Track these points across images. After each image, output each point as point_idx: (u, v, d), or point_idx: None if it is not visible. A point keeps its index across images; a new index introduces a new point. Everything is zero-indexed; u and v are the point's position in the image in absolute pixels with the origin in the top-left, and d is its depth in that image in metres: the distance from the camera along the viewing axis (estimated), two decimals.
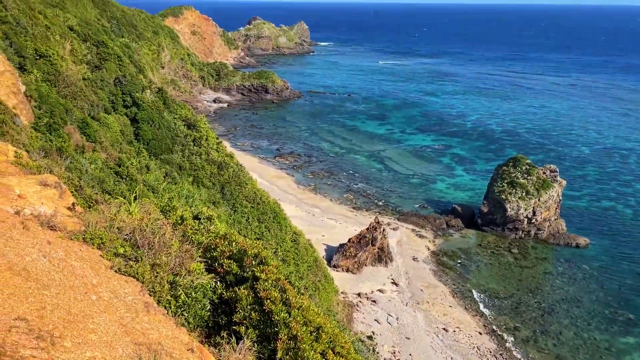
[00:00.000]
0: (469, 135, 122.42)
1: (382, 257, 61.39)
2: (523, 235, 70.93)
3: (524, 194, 71.34)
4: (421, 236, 70.46)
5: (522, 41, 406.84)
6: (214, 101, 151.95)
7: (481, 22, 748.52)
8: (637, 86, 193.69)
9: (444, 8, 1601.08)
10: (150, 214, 9.87)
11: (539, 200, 70.89)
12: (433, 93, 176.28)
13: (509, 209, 70.67)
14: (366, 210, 78.54)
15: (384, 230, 63.18)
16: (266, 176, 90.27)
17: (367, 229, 62.09)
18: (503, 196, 71.76)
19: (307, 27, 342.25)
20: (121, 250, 8.16)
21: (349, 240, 61.71)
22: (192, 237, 9.97)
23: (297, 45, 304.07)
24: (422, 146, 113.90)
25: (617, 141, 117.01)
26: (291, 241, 49.08)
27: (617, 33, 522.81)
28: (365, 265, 60.18)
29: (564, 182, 75.06)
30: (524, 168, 74.33)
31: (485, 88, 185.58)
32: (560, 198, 73.99)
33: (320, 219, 73.50)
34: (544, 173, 73.98)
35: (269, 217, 49.17)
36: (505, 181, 73.38)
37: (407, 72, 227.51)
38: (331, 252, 62.33)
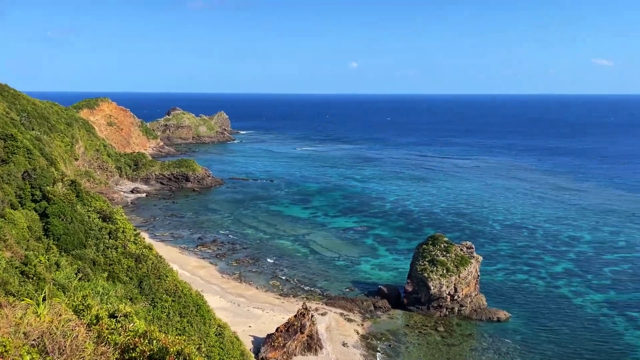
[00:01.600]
0: (389, 216, 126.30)
1: (312, 345, 59.68)
2: (447, 313, 72.10)
3: (444, 271, 73.42)
4: (350, 320, 69.68)
5: (435, 127, 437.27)
6: (132, 191, 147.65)
7: (401, 110, 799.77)
8: (536, 166, 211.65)
9: (370, 98, 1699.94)
10: (61, 315, 9.14)
11: (459, 276, 73.14)
12: (353, 177, 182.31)
13: (432, 287, 72.10)
14: (293, 297, 77.10)
15: (312, 316, 61.94)
16: (187, 267, 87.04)
17: (295, 316, 60.58)
18: (425, 274, 73.38)
19: (227, 116, 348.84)
20: (27, 358, 7.42)
21: (277, 330, 59.70)
22: (108, 337, 9.27)
23: (218, 134, 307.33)
24: (346, 228, 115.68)
25: (524, 217, 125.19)
26: (216, 335, 46.69)
27: (521, 120, 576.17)
28: (295, 355, 58.08)
29: (480, 258, 78.34)
30: (442, 246, 77.04)
31: (401, 171, 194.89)
32: (479, 273, 76.81)
33: (246, 309, 71.05)
34: (461, 250, 77.02)
35: (191, 311, 46.82)
36: (426, 259, 75.40)
37: (327, 157, 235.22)
38: (259, 343, 59.80)
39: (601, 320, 69.95)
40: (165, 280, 49.09)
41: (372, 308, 73.50)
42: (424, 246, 78.03)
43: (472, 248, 78.12)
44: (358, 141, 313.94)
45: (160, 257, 56.23)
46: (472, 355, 61.61)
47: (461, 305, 72.37)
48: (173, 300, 46.61)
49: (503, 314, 70.88)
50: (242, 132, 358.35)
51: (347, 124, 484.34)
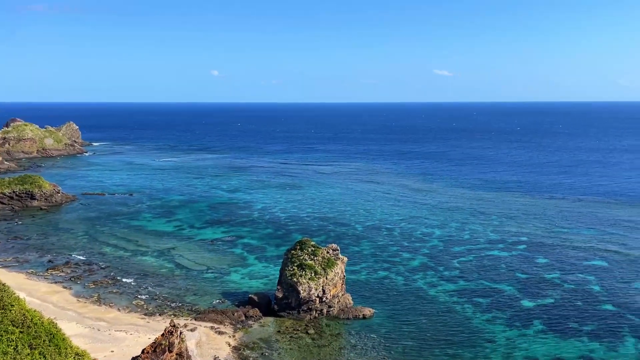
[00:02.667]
0: (257, 224, 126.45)
1: None
2: (317, 315, 74.03)
3: (313, 274, 75.34)
4: (221, 332, 68.32)
5: (298, 135, 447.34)
6: None
7: (265, 119, 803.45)
8: (391, 170, 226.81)
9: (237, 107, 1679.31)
10: None
11: (326, 278, 75.56)
12: (219, 187, 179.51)
13: (301, 291, 73.56)
14: (159, 315, 73.59)
15: (181, 333, 59.54)
16: (37, 293, 78.86)
17: (163, 335, 57.73)
18: (295, 279, 74.66)
19: (77, 127, 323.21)
20: None
21: (143, 352, 56.37)
22: None
23: (67, 147, 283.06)
24: (213, 239, 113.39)
25: (383, 218, 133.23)
26: None
27: (376, 126, 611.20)
28: None
29: (346, 259, 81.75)
30: (310, 250, 79.05)
31: (267, 179, 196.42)
32: (344, 274, 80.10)
33: (108, 333, 66.22)
34: (328, 252, 79.70)
35: (44, 341, 42.43)
36: (295, 264, 76.75)
37: (192, 167, 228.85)
38: None
39: (453, 308, 76.79)
40: (10, 311, 43.93)
41: (244, 318, 72.89)
42: (293, 251, 79.39)
43: (338, 250, 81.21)
44: (224, 150, 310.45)
45: (4, 285, 50.25)
46: (341, 353, 63.93)
47: (329, 306, 74.81)
48: (21, 332, 41.90)
49: (368, 311, 74.64)
50: (95, 143, 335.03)
51: (212, 133, 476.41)
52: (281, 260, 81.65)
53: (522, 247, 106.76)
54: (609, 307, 76.09)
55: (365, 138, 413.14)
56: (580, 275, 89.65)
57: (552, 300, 78.84)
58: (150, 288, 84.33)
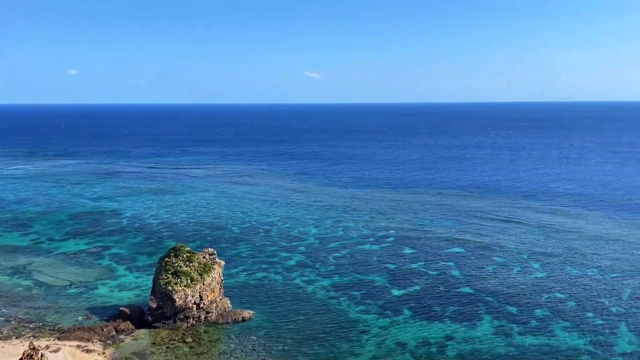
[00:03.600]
0: (127, 233, 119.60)
1: None
2: (194, 322, 71.93)
3: (189, 281, 73.06)
4: (89, 350, 63.50)
5: (170, 137, 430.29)
6: None
7: (132, 120, 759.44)
8: (267, 171, 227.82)
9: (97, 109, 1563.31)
10: None
11: (203, 284, 73.73)
12: (82, 194, 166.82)
13: (177, 299, 70.98)
14: (16, 338, 66.48)
15: (42, 356, 54.34)
16: None
17: (21, 359, 52.28)
18: (170, 287, 71.83)
19: None
20: None
21: None
22: None
23: None
24: (76, 252, 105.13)
25: (259, 219, 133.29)
26: None
27: (251, 127, 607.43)
28: None
29: (223, 263, 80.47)
30: (185, 256, 76.56)
31: (137, 185, 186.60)
32: (222, 278, 78.79)
33: None
34: (204, 257, 77.81)
35: None
36: (169, 272, 73.86)
37: (49, 175, 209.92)
38: None
39: (330, 303, 79.23)
40: None
41: (114, 333, 68.47)
42: (166, 259, 76.32)
43: (215, 254, 79.67)
44: (87, 155, 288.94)
45: None
46: (221, 358, 62.82)
47: (207, 312, 73.11)
48: None
49: (247, 313, 74.21)
50: None
51: (75, 136, 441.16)
52: (154, 269, 78.07)
53: (391, 239, 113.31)
54: (468, 289, 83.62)
55: (241, 139, 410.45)
56: (442, 262, 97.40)
57: (418, 288, 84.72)
58: (3, 309, 75.89)
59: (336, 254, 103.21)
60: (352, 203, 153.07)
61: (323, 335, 68.19)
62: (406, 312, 75.36)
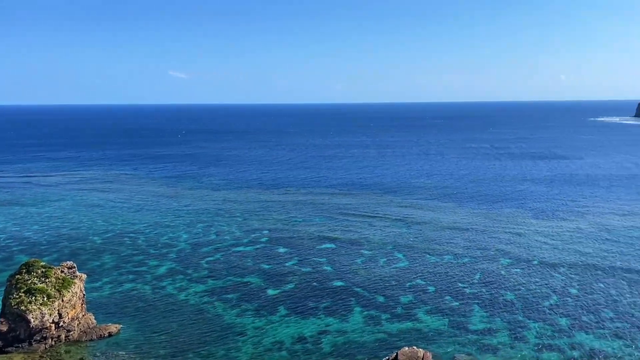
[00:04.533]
0: None
1: None
2: (54, 343, 65.82)
3: (45, 298, 66.62)
4: None
5: (17, 142, 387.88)
6: None
7: None
8: (132, 175, 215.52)
9: None
10: None
11: (62, 301, 67.69)
12: None
13: (32, 320, 64.34)
14: None
15: None
16: None
17: None
18: (22, 307, 64.86)
19: None
20: None
21: None
22: None
23: None
24: None
25: (124, 227, 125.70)
26: None
27: (116, 130, 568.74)
28: None
29: (84, 276, 74.56)
30: (40, 271, 69.65)
31: None
32: (84, 292, 73.02)
33: None
34: (62, 272, 71.46)
35: None
36: (22, 290, 66.72)
37: None
38: None
39: (204, 309, 77.30)
40: None
41: None
42: (18, 276, 68.79)
43: (74, 267, 73.51)
44: None
45: None
46: None
47: (68, 331, 67.26)
48: None
49: (114, 328, 69.62)
50: None
51: None
52: (3, 289, 69.96)
53: (264, 240, 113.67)
54: (340, 283, 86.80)
55: (102, 142, 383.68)
56: (314, 259, 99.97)
57: (293, 286, 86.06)
58: None
59: (209, 258, 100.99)
60: (224, 205, 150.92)
61: (198, 343, 66.32)
62: (282, 310, 76.14)
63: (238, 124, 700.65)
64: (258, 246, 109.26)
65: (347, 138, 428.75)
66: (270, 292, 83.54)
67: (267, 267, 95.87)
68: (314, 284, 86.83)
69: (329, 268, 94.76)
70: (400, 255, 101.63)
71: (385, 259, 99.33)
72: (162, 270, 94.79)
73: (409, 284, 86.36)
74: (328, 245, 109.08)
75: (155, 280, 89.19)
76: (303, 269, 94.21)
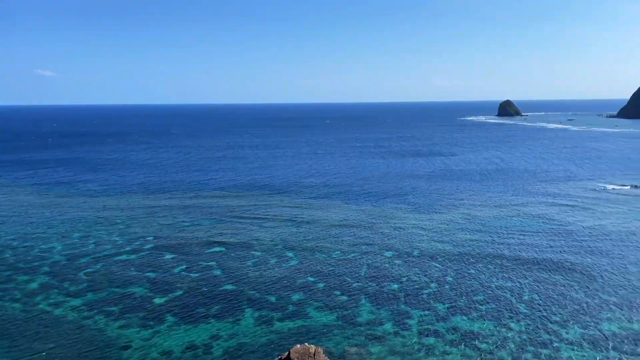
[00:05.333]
0: None
1: None
2: None
3: None
4: None
5: None
6: None
7: None
8: None
9: None
10: None
11: None
12: None
13: None
14: None
15: None
16: None
17: None
18: None
19: None
20: None
21: None
22: None
23: None
24: None
25: None
26: None
27: None
28: None
29: None
30: None
31: None
32: None
33: None
34: None
35: None
36: None
37: None
38: None
39: (84, 324, 72.12)
40: None
41: None
42: None
43: None
44: None
45: None
46: None
47: None
48: None
49: None
50: None
51: None
52: None
53: (149, 247, 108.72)
54: (230, 286, 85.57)
55: None
56: (204, 263, 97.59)
57: (181, 292, 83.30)
58: None
59: (88, 270, 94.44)
60: (104, 213, 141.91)
61: (76, 357, 61.73)
62: (170, 318, 73.38)
63: (116, 126, 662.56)
64: (142, 254, 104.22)
65: (237, 139, 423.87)
66: (157, 301, 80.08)
67: (152, 275, 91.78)
68: (204, 289, 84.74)
69: (218, 272, 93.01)
70: (290, 255, 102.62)
71: (275, 260, 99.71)
72: (33, 285, 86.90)
73: (299, 281, 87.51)
74: (218, 249, 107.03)
75: (27, 297, 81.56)
76: (192, 275, 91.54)
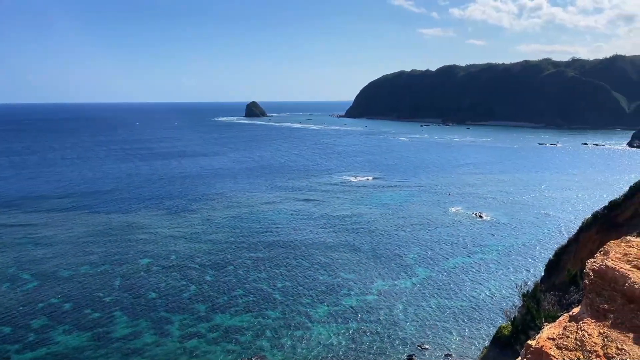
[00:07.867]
0: None
1: None
2: None
3: None
4: None
5: None
6: None
7: None
8: None
9: None
10: None
11: None
12: None
13: None
14: None
15: None
16: None
17: None
18: None
19: None
20: None
21: None
22: None
23: None
24: None
25: None
26: None
27: None
28: None
29: None
30: None
31: None
32: None
33: None
34: None
35: None
36: None
37: None
38: None
39: None
40: None
41: None
42: None
43: None
44: None
45: None
46: None
47: None
48: None
49: None
50: None
51: None
52: None
53: None
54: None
55: None
56: None
57: None
58: None
59: None
60: None
61: None
62: None
63: None
64: None
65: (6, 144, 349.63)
66: None
67: None
68: None
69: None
70: (26, 276, 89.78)
71: (9, 283, 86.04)
72: None
73: (40, 305, 77.28)
74: None
75: None
76: None
